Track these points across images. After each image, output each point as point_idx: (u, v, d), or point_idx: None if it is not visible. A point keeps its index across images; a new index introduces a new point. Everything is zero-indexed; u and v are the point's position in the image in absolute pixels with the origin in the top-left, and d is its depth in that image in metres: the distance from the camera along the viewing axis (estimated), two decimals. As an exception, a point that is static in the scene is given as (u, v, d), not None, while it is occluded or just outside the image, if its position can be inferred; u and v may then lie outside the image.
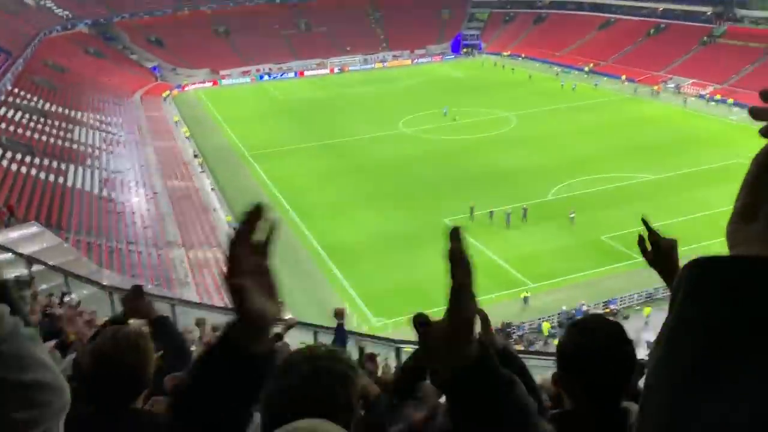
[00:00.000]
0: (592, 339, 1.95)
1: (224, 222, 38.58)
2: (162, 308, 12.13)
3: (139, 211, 37.49)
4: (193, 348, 5.14)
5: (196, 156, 51.20)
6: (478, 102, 63.13)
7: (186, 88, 78.20)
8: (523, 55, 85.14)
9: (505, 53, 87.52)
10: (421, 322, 1.21)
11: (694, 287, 0.70)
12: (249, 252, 1.25)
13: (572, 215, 35.07)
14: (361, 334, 13.00)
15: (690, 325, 0.68)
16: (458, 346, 1.16)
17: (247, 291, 1.22)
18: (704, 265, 0.70)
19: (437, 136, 53.58)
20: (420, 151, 49.61)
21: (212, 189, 44.35)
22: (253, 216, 1.26)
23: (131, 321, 3.73)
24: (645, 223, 2.38)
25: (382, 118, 59.49)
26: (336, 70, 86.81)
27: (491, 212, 36.49)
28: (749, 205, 0.76)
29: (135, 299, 3.78)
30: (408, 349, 11.85)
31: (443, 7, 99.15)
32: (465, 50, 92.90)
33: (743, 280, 0.66)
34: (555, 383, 2.01)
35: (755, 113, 0.79)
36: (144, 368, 2.56)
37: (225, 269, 1.23)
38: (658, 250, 2.33)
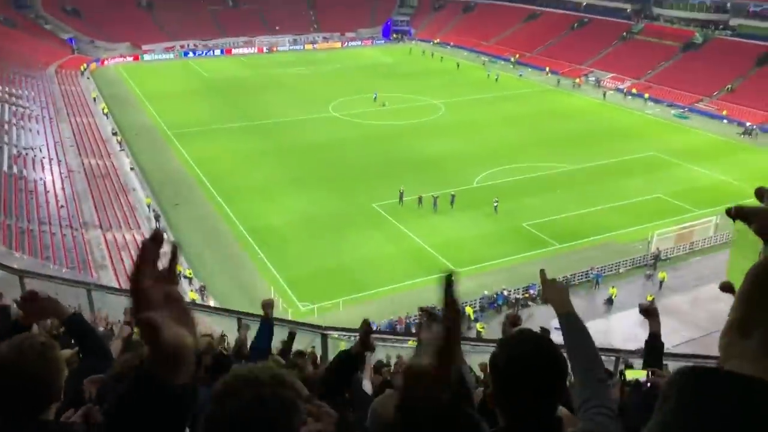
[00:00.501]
0: (523, 352, 1.99)
1: (144, 203, 37.26)
2: (78, 293, 11.60)
3: (52, 189, 35.65)
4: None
5: (114, 134, 49.08)
6: (408, 88, 63.46)
7: (105, 63, 74.71)
8: (451, 44, 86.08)
9: (434, 40, 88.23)
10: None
11: (688, 397, 0.72)
12: (155, 281, 1.19)
13: (496, 203, 35.92)
14: (286, 321, 12.86)
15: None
16: (437, 388, 1.19)
17: (159, 325, 1.15)
18: (699, 377, 0.72)
19: (366, 120, 53.56)
20: (349, 136, 49.48)
21: (131, 168, 42.69)
22: (151, 245, 1.20)
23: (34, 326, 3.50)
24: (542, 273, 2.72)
25: (311, 101, 58.87)
26: (264, 49, 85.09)
27: (420, 197, 36.88)
28: (744, 321, 0.78)
29: (32, 301, 3.44)
30: (334, 336, 11.83)
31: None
32: (395, 36, 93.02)
33: (735, 397, 0.68)
34: (489, 402, 2.03)
35: (735, 213, 0.84)
36: (52, 379, 2.44)
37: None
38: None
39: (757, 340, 0.76)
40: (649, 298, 28.10)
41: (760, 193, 0.94)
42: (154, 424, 1.20)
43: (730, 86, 59.47)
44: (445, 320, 1.24)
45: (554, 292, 2.68)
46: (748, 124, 52.20)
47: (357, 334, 3.55)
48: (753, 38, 64.04)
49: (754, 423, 0.65)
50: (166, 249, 1.24)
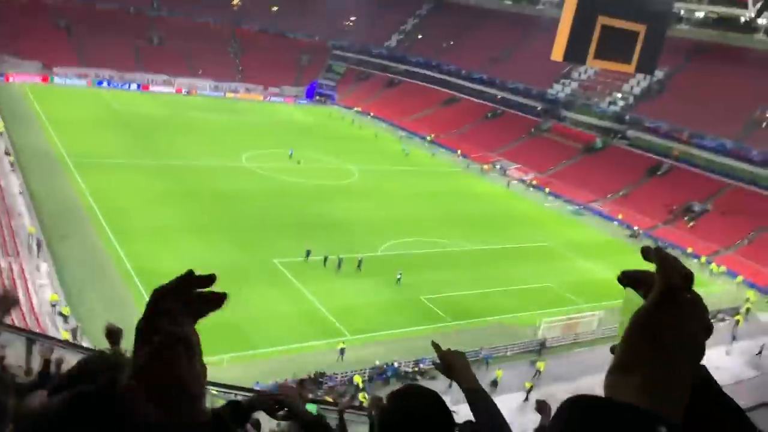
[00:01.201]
0: (415, 405, 2.00)
1: (26, 231, 34.77)
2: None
3: (-76, 203, 32.70)
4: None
5: (7, 153, 46.12)
6: (324, 150, 64.03)
7: (10, 79, 70.93)
8: (371, 114, 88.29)
9: (356, 108, 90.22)
10: None
11: (576, 425, 0.75)
12: None
13: (399, 275, 36.10)
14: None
15: None
16: None
17: None
18: (587, 405, 0.76)
19: (279, 175, 53.28)
20: (259, 188, 48.92)
21: (20, 192, 40.00)
22: None
23: None
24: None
25: (225, 149, 58.08)
26: (184, 90, 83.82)
27: (325, 257, 36.71)
28: (627, 361, 0.83)
29: None
30: (214, 391, 11.19)
31: (304, 53, 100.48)
32: (319, 98, 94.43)
33: (620, 423, 0.72)
34: None
35: (624, 278, 0.92)
36: None
37: None
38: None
39: (638, 376, 0.80)
40: (528, 385, 28.83)
41: (646, 251, 0.99)
42: None
43: (623, 192, 64.04)
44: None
45: (457, 361, 2.68)
46: (635, 228, 56.08)
47: (236, 392, 3.33)
48: (646, 150, 69.80)
49: None
50: None
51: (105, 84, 78.90)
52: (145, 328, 1.11)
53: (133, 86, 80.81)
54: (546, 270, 42.46)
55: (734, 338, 36.07)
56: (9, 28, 78.10)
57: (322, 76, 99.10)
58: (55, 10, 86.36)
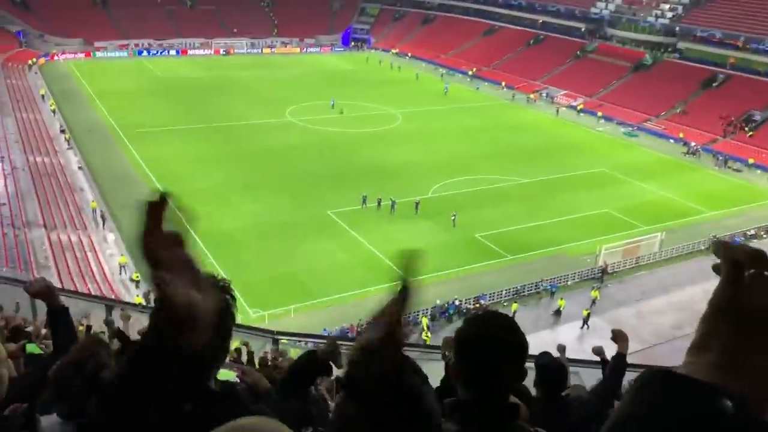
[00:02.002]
0: (489, 329, 2.06)
1: (89, 205, 36.16)
2: (16, 294, 11.14)
3: (-6, 186, 34.35)
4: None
5: (63, 131, 47.63)
6: (365, 97, 63.61)
7: (55, 58, 72.57)
8: (409, 54, 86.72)
9: (393, 50, 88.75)
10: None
11: (652, 395, 0.78)
12: (162, 244, 1.16)
13: (454, 217, 36.05)
14: (240, 326, 12.66)
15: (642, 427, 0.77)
16: (383, 361, 1.28)
17: (168, 283, 1.12)
18: (666, 378, 0.79)
19: (324, 127, 53.41)
20: (305, 142, 49.24)
21: (79, 167, 41.47)
22: (157, 205, 1.19)
23: None
24: None
25: (268, 105, 58.40)
26: (221, 51, 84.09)
27: (379, 201, 37.56)
28: (703, 340, 0.84)
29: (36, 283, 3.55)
30: (284, 341, 11.68)
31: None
32: (354, 44, 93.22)
33: (696, 400, 0.75)
34: (451, 372, 2.12)
35: (716, 248, 0.86)
36: None
37: (147, 265, 1.13)
38: None
39: (713, 354, 0.81)
40: (585, 313, 28.80)
41: (715, 252, 0.89)
42: (161, 384, 1.16)
43: (680, 108, 61.60)
44: (399, 297, 1.36)
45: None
46: (693, 144, 54.12)
47: (307, 339, 3.49)
48: (699, 62, 66.58)
49: (708, 425, 0.71)
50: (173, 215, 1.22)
51: (145, 53, 79.85)
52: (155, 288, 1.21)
53: (172, 52, 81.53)
54: (602, 196, 41.70)
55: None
56: (49, 10, 79.60)
57: (356, 20, 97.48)
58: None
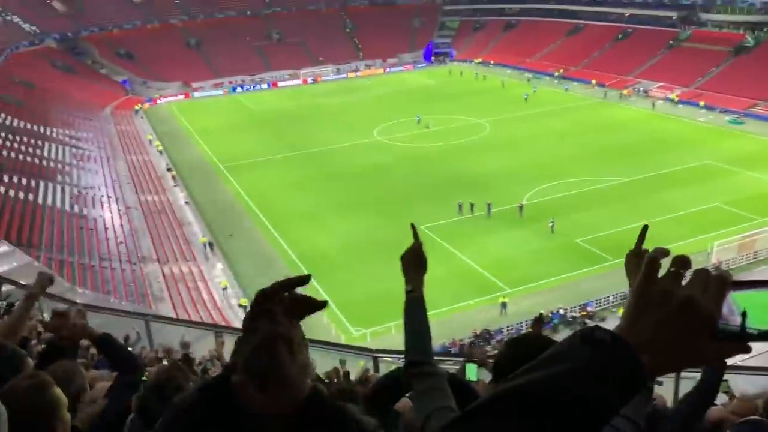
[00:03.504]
0: (525, 351, 2.02)
1: (197, 237, 38.18)
2: (136, 324, 11.94)
3: (111, 226, 36.97)
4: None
5: (169, 170, 50.70)
6: (451, 109, 63.54)
7: (158, 102, 77.52)
8: (492, 62, 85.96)
9: (476, 60, 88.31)
10: None
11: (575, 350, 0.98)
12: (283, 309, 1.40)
13: (552, 224, 35.21)
14: (338, 345, 12.94)
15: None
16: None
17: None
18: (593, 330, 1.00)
19: (411, 143, 53.79)
20: (395, 159, 49.75)
21: (186, 202, 43.93)
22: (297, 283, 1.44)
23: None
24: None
25: (356, 127, 59.57)
26: (309, 80, 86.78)
27: (471, 205, 38.15)
28: (626, 309, 1.03)
29: (62, 318, 3.61)
30: (387, 359, 11.80)
31: (414, 16, 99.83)
32: (437, 58, 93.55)
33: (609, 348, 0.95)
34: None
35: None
36: (49, 418, 2.49)
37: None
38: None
39: (625, 319, 1.01)
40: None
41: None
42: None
43: (786, 88, 57.36)
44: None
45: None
46: (808, 126, 50.18)
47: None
48: (808, 37, 61.84)
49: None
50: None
51: (239, 89, 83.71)
52: (247, 326, 1.35)
53: (263, 85, 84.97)
54: (710, 189, 39.39)
55: None
56: (149, 57, 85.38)
57: (437, 35, 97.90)
58: (184, 30, 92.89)
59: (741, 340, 0.98)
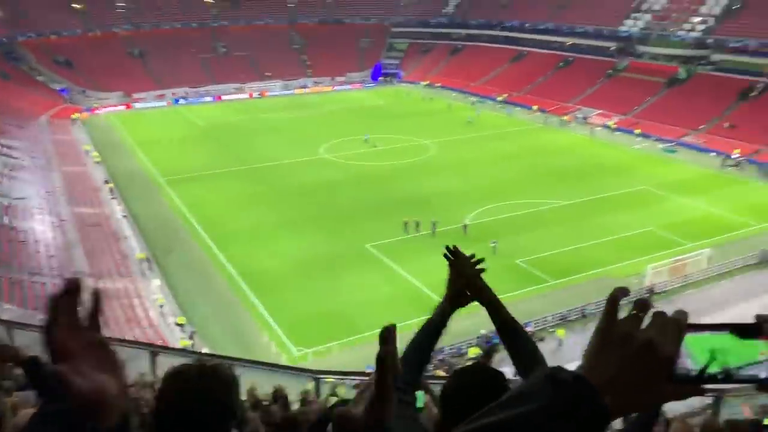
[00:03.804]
0: (472, 381, 2.05)
1: (134, 252, 37.02)
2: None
3: (43, 239, 35.43)
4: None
5: (107, 182, 49.11)
6: (398, 129, 64.08)
7: (97, 111, 75.27)
8: (438, 85, 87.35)
9: (423, 82, 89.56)
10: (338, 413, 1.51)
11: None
12: (74, 328, 1.22)
13: (494, 244, 35.66)
14: (277, 366, 12.66)
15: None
16: None
17: (66, 376, 1.16)
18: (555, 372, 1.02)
19: (358, 162, 53.88)
20: (341, 177, 49.70)
21: (124, 216, 42.57)
22: (64, 296, 1.23)
23: None
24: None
25: (302, 144, 59.29)
26: (255, 95, 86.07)
27: (417, 223, 38.54)
28: (588, 348, 1.07)
29: None
30: (329, 379, 11.61)
31: (363, 36, 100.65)
32: (385, 78, 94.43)
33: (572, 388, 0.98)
34: (436, 426, 2.07)
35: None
36: None
37: (48, 355, 1.19)
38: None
39: (587, 358, 1.04)
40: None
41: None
42: None
43: (717, 120, 60.32)
44: (378, 374, 1.43)
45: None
46: (734, 156, 52.79)
47: (351, 377, 3.47)
48: (735, 72, 65.35)
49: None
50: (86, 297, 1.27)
51: (182, 101, 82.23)
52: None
53: (208, 98, 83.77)
54: (644, 214, 40.85)
55: None
56: (89, 65, 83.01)
57: (385, 56, 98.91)
58: (127, 39, 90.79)
59: (697, 383, 1.01)
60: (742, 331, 1.04)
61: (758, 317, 1.05)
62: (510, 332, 2.50)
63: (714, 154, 54.46)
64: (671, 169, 51.01)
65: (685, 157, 54.72)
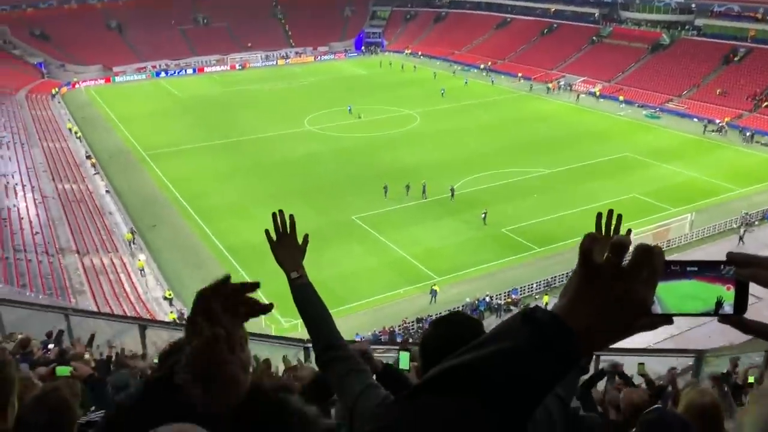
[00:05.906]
0: (450, 330, 2.06)
1: (120, 228, 36.80)
2: (55, 319, 11.42)
3: (27, 216, 35.09)
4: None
5: (88, 157, 48.54)
6: (382, 100, 63.69)
7: (76, 86, 73.99)
8: (420, 53, 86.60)
9: (407, 51, 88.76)
10: None
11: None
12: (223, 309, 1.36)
13: (484, 214, 35.79)
14: (269, 336, 12.80)
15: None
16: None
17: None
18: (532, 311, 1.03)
19: (342, 133, 53.60)
20: (325, 149, 49.46)
21: (107, 191, 42.21)
22: (243, 288, 1.39)
23: None
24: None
25: (286, 116, 58.80)
26: (237, 66, 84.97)
27: (407, 186, 38.92)
28: (565, 289, 1.07)
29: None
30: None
31: (346, 5, 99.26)
32: (368, 48, 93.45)
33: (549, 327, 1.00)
34: (417, 375, 2.14)
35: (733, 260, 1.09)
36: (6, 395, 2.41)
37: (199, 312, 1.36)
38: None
39: (566, 299, 1.04)
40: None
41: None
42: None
43: (700, 85, 60.50)
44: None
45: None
46: (718, 121, 53.15)
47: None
48: (718, 37, 65.41)
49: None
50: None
51: (163, 74, 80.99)
52: (188, 326, 1.34)
53: (189, 71, 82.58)
54: (628, 181, 41.19)
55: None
56: (66, 39, 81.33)
57: (368, 24, 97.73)
58: (105, 11, 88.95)
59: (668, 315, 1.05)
60: (713, 267, 1.09)
61: (729, 254, 1.10)
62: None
63: (696, 119, 54.78)
64: (654, 135, 51.29)
65: (668, 123, 55.00)
